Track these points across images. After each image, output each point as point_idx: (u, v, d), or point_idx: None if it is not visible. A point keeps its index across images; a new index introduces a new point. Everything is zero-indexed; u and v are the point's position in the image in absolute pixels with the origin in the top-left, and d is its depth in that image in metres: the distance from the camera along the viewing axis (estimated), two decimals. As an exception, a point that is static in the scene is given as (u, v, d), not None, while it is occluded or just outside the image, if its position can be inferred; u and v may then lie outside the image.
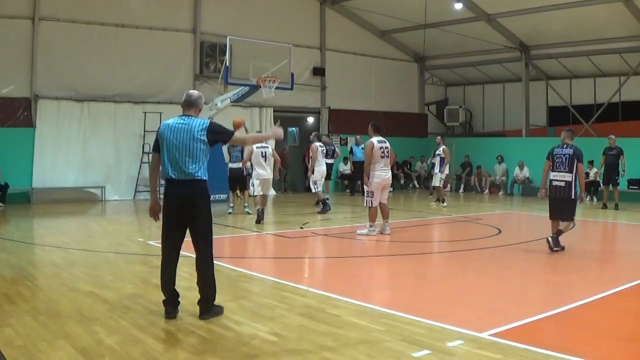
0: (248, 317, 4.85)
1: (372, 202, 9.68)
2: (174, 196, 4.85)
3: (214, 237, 4.95)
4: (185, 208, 4.82)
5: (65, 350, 4.03)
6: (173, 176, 4.82)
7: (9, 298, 5.43)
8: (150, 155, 16.13)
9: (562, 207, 8.23)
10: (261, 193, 11.64)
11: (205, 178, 4.87)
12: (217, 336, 4.43)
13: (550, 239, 8.05)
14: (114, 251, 8.12)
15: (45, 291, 5.84)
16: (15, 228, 10.76)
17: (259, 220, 11.27)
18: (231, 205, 13.26)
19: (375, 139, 9.71)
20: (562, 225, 8.17)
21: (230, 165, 13.00)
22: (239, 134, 5.56)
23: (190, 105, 4.99)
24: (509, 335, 4.38)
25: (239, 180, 13.04)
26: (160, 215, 4.98)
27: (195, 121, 4.87)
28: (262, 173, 11.60)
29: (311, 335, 4.44)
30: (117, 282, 6.19)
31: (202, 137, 4.80)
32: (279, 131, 5.45)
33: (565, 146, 8.31)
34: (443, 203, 15.01)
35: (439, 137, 16.09)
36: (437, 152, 15.41)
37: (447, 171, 15.53)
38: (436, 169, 15.47)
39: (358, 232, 9.91)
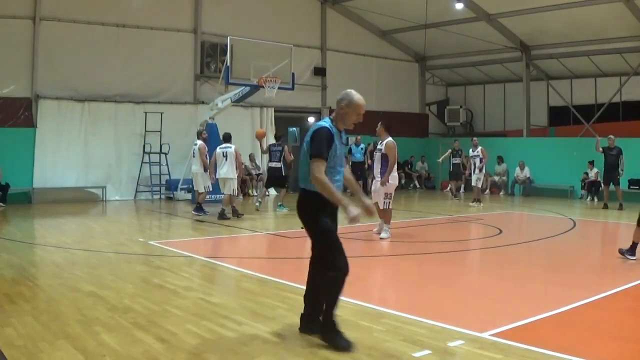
0: (249, 317, 4.85)
1: (389, 204, 9.57)
2: None
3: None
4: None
5: (66, 350, 4.04)
6: None
7: (9, 298, 5.43)
8: (151, 155, 16.30)
9: None
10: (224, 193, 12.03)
11: (309, 189, 4.31)
12: (218, 336, 4.43)
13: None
14: (115, 251, 8.12)
15: (46, 291, 5.85)
16: (16, 228, 10.76)
17: (221, 217, 11.53)
18: (259, 200, 14.06)
19: (391, 139, 9.53)
20: None
21: (270, 164, 13.55)
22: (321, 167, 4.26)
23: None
24: (509, 335, 4.38)
25: (277, 179, 13.54)
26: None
27: (313, 126, 4.50)
28: (220, 172, 11.90)
29: (312, 336, 4.43)
30: (118, 282, 6.20)
31: (306, 142, 4.39)
32: (355, 216, 4.21)
33: None
34: (479, 203, 15.39)
35: (475, 138, 16.35)
36: (475, 152, 15.74)
37: (484, 171, 15.97)
38: (475, 170, 15.75)
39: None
